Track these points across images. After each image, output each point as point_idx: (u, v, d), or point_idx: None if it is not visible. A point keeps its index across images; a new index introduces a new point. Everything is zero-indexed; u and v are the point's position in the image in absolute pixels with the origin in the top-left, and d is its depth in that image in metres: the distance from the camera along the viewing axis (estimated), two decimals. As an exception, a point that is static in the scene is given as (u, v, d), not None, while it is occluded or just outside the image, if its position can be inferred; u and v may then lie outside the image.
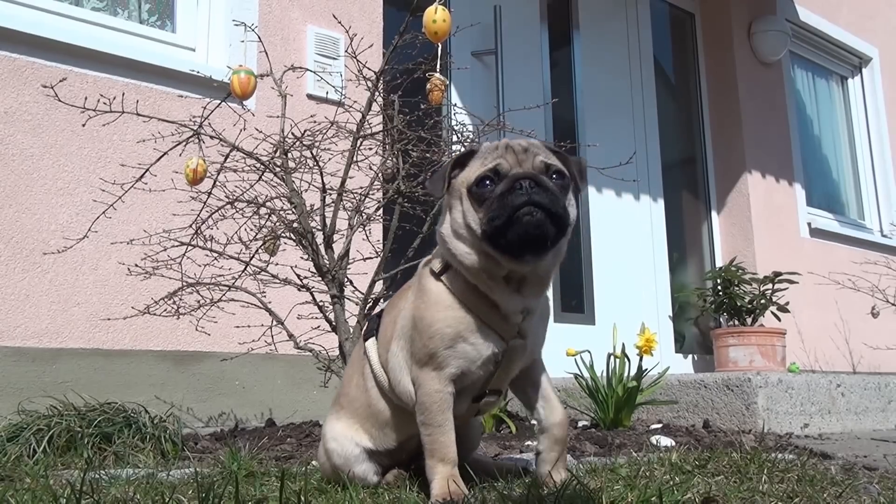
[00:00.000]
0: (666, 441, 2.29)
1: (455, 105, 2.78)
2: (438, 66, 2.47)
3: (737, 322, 5.72)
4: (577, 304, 5.48)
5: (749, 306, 5.66)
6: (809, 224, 6.78)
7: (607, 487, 1.28)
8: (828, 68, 7.84)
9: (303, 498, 1.15)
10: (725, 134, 6.55)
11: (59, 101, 2.44)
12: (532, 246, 1.38)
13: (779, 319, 5.67)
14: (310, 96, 3.95)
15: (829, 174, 7.70)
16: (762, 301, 5.63)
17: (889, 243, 7.45)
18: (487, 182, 1.40)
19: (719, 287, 5.82)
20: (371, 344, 1.57)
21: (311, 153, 2.28)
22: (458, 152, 1.55)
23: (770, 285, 5.63)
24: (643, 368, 2.66)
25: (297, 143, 2.35)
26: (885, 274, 6.63)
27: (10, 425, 2.07)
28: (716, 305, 5.84)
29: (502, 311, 1.43)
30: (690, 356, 6.20)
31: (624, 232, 5.83)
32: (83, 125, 2.57)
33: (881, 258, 7.03)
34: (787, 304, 5.66)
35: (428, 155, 2.34)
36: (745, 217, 6.38)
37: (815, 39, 7.49)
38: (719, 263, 6.30)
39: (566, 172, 1.44)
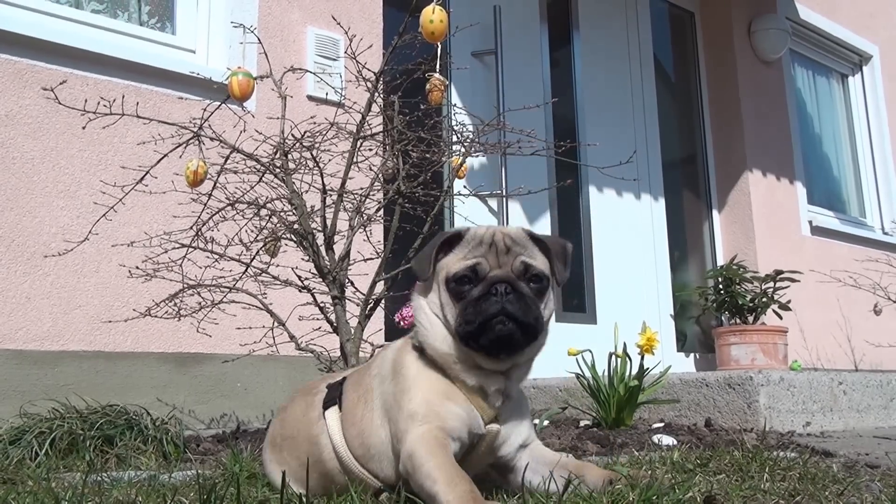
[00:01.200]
0: (668, 440, 2.29)
1: (455, 105, 2.78)
2: (438, 66, 2.47)
3: (738, 320, 5.72)
4: (578, 303, 5.48)
5: (750, 304, 5.66)
6: (810, 222, 6.78)
7: (607, 488, 1.28)
8: (828, 66, 7.83)
9: (304, 500, 1.15)
10: (726, 132, 6.55)
11: (60, 104, 2.44)
12: (506, 348, 1.42)
13: (780, 318, 5.67)
14: (310, 97, 3.95)
15: (829, 172, 7.69)
16: (764, 299, 5.62)
17: (890, 241, 7.45)
18: (466, 281, 1.42)
19: (721, 285, 5.82)
20: (332, 415, 1.50)
21: (312, 154, 2.28)
22: (445, 233, 1.50)
23: (771, 283, 5.63)
24: (644, 368, 2.66)
25: (297, 144, 2.35)
26: (886, 272, 6.63)
27: (13, 428, 2.07)
28: (717, 304, 5.84)
29: (482, 388, 1.43)
30: (692, 355, 6.20)
31: (625, 231, 5.83)
32: (83, 128, 2.57)
33: (882, 255, 7.02)
34: (789, 302, 5.66)
35: (428, 155, 2.34)
36: (746, 215, 6.38)
37: (815, 37, 7.49)
38: (720, 262, 6.30)
39: (545, 274, 1.45)
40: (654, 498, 1.12)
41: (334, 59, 4.13)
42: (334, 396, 1.53)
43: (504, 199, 4.62)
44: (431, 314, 1.46)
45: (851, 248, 6.96)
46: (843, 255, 6.82)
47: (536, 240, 1.49)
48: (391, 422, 1.40)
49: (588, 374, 2.74)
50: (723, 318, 6.01)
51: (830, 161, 7.73)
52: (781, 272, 5.59)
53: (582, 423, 2.80)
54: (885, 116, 7.89)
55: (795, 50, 7.31)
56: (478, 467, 1.43)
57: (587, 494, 1.24)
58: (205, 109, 2.55)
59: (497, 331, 1.37)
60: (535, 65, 5.52)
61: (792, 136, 6.86)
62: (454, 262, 1.44)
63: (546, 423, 2.72)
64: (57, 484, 1.49)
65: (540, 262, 1.45)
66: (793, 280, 5.59)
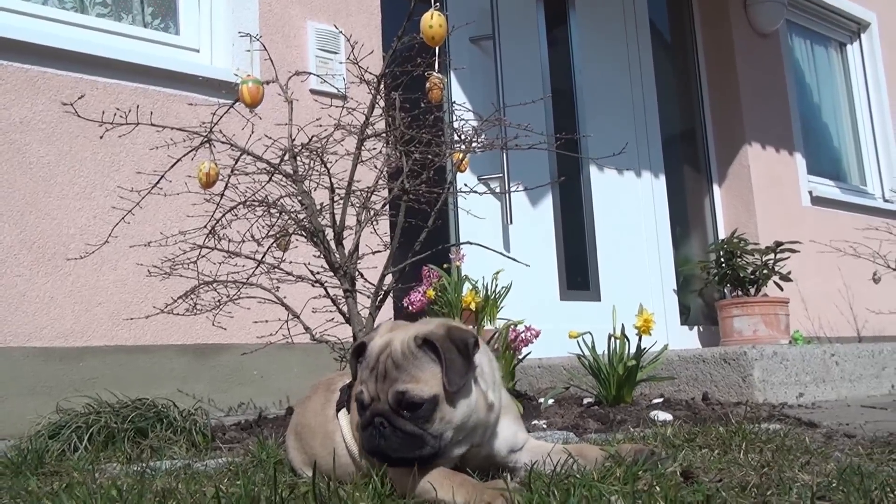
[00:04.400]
0: (664, 416, 2.42)
1: (454, 103, 2.87)
2: (437, 64, 2.57)
3: (740, 293, 5.83)
4: (582, 281, 5.60)
5: (752, 277, 5.76)
6: (811, 192, 6.86)
7: (598, 465, 1.41)
8: (826, 35, 7.85)
9: (332, 485, 1.28)
10: (724, 106, 6.61)
11: (80, 116, 2.55)
12: (401, 466, 1.41)
13: (781, 289, 5.78)
14: (313, 91, 4.05)
15: (829, 142, 7.75)
16: (765, 271, 5.73)
17: (891, 208, 7.52)
18: (359, 406, 1.47)
19: (722, 259, 5.92)
20: (344, 418, 1.60)
21: (320, 157, 2.39)
22: (354, 344, 1.55)
23: (772, 255, 5.73)
24: (643, 347, 2.79)
25: (304, 149, 2.47)
26: (886, 239, 6.71)
27: (50, 424, 2.22)
28: (719, 277, 5.95)
29: None
30: (696, 328, 6.32)
31: (626, 208, 5.93)
32: (101, 137, 2.68)
33: (882, 223, 7.10)
34: (790, 273, 5.77)
35: (430, 156, 2.46)
36: (746, 188, 6.46)
37: (812, 7, 7.50)
38: (722, 235, 6.40)
39: (424, 399, 1.39)
40: (639, 472, 1.25)
41: (335, 53, 4.22)
42: (344, 399, 1.63)
43: (506, 193, 4.72)
44: None
45: (852, 216, 7.04)
46: (844, 224, 6.91)
47: (433, 348, 1.42)
48: None
49: (589, 354, 2.86)
50: (725, 290, 6.12)
51: (830, 130, 7.78)
52: (782, 244, 5.69)
53: (585, 401, 2.93)
54: (884, 84, 7.92)
55: (792, 20, 7.34)
56: (475, 465, 1.52)
57: (579, 470, 1.37)
58: (214, 113, 2.66)
59: (384, 458, 1.41)
60: (533, 47, 5.59)
61: (791, 107, 6.92)
62: (356, 384, 1.50)
63: (551, 401, 2.86)
64: (100, 475, 1.63)
65: (422, 383, 1.39)
66: (793, 251, 5.69)
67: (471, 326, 3.78)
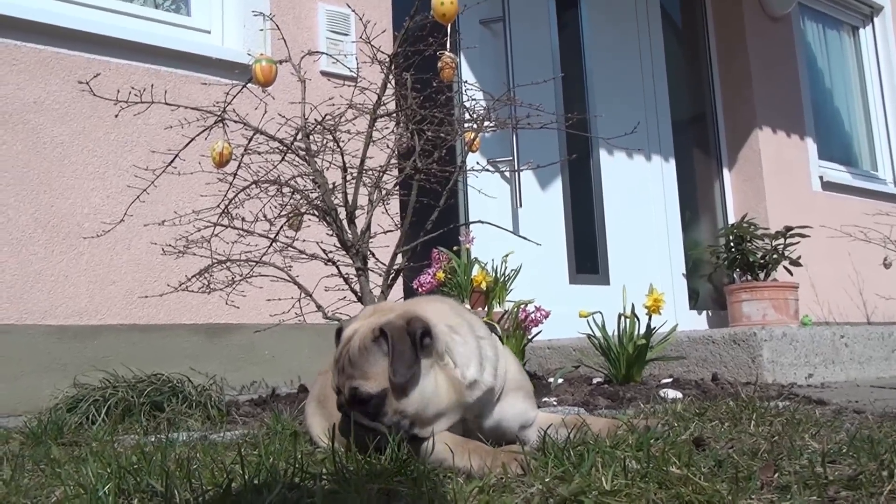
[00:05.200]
0: (673, 394, 2.44)
1: (466, 82, 2.88)
2: (448, 44, 2.57)
3: (749, 277, 5.83)
4: (591, 265, 5.61)
5: (761, 261, 5.76)
6: (821, 177, 6.83)
7: (611, 432, 1.43)
8: (838, 19, 7.79)
9: (349, 452, 1.31)
10: (735, 90, 6.58)
11: (95, 95, 2.57)
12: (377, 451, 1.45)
13: (791, 274, 5.77)
14: (324, 73, 4.06)
15: (841, 126, 7.70)
16: (774, 256, 5.73)
17: (902, 193, 7.48)
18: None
19: (732, 243, 5.92)
20: None
21: (333, 136, 2.41)
22: (338, 327, 1.61)
23: (782, 240, 5.72)
24: (652, 327, 2.80)
25: (318, 126, 2.48)
26: (896, 224, 6.69)
27: (68, 397, 2.26)
28: (729, 262, 5.95)
29: None
30: (705, 312, 6.32)
31: (636, 192, 5.92)
32: (116, 116, 2.70)
33: (893, 209, 7.07)
34: (800, 258, 5.76)
35: (442, 134, 2.47)
36: (756, 173, 6.44)
37: (824, -10, 7.44)
38: (732, 220, 6.39)
39: (372, 395, 1.44)
40: (652, 440, 1.27)
41: (345, 35, 4.22)
42: None
43: (516, 172, 4.73)
44: None
45: (863, 201, 7.02)
46: (855, 209, 6.88)
47: (375, 342, 1.47)
48: None
49: (599, 334, 2.88)
50: (734, 275, 6.12)
51: (841, 115, 7.73)
52: (792, 228, 5.68)
53: (594, 381, 2.95)
54: (898, 67, 7.85)
55: (805, 4, 7.28)
56: (484, 437, 1.54)
57: (593, 437, 1.39)
58: (227, 93, 2.67)
59: (356, 445, 1.47)
60: (544, 29, 5.57)
61: (802, 91, 6.88)
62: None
63: (560, 380, 2.88)
64: (119, 445, 1.67)
65: (371, 379, 1.45)
66: (803, 236, 5.68)
67: (480, 308, 3.81)
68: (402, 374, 1.42)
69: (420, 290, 3.83)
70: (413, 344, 1.44)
